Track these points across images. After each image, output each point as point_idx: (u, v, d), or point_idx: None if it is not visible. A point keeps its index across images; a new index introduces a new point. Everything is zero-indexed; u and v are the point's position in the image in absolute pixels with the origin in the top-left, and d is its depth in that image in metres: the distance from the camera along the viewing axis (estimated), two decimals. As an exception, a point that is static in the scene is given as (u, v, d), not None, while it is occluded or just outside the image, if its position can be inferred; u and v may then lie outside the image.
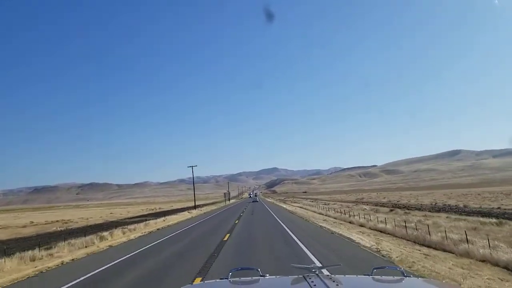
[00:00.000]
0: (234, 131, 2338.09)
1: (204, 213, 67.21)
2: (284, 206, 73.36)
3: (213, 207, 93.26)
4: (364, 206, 64.25)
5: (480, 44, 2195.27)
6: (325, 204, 72.06)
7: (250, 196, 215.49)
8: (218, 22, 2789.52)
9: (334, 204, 79.78)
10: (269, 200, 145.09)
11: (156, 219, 46.05)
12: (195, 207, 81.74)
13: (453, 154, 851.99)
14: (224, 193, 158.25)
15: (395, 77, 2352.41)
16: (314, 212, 51.62)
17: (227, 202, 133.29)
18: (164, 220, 45.25)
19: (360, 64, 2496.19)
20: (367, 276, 2.99)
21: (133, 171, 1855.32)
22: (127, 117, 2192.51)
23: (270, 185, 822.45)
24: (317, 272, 2.80)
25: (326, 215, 42.61)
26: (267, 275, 3.16)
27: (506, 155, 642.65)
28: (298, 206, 71.19)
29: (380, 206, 67.07)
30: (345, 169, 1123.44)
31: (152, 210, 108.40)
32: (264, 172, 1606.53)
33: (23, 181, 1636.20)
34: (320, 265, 3.16)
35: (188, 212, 60.65)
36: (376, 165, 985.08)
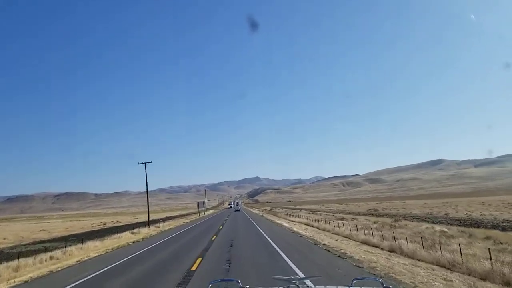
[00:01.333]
0: (216, 141, 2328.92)
1: (152, 235, 39.75)
2: (285, 225, 42.27)
3: (181, 222, 72.41)
4: (408, 222, 45.62)
5: (461, 57, 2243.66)
6: (340, 220, 48.14)
7: (231, 206, 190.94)
8: (201, 34, 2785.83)
9: (352, 219, 55.22)
10: (253, 211, 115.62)
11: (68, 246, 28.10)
12: (148, 223, 57.42)
13: (435, 163, 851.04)
14: (198, 203, 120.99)
15: (376, 89, 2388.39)
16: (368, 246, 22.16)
17: (202, 214, 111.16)
18: (63, 253, 24.48)
19: (342, 76, 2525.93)
20: (347, 287, 2.99)
21: (114, 180, 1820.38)
22: (109, 125, 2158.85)
23: (252, 195, 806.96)
24: (297, 284, 2.82)
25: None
26: (247, 286, 3.18)
27: (486, 165, 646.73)
28: (303, 223, 44.02)
29: (424, 220, 51.87)
30: (326, 178, 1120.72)
31: (103, 224, 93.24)
32: (246, 181, 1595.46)
33: (4, 190, 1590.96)
34: (302, 276, 3.30)
35: (131, 233, 40.04)
36: (358, 174, 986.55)
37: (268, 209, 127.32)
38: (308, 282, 4.31)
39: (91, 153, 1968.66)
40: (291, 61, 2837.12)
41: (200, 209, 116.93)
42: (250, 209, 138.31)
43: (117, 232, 39.44)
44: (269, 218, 64.85)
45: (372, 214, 73.54)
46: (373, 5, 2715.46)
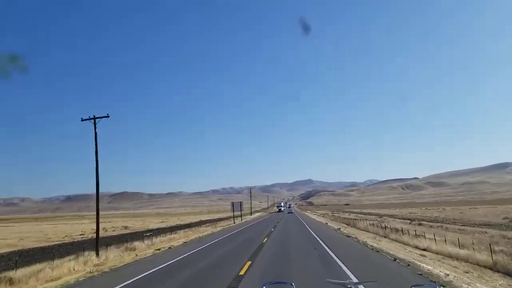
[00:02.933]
0: (269, 142, 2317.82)
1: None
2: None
3: (191, 236, 43.82)
4: None
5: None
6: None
7: (280, 210, 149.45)
8: (254, 35, 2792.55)
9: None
10: (311, 216, 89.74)
11: None
12: (97, 249, 26.60)
13: (502, 166, 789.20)
14: (232, 203, 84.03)
15: (433, 89, 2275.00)
16: None
17: (239, 221, 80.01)
18: None
19: (397, 75, 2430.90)
20: None
21: (169, 181, 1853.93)
22: (165, 130, 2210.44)
23: (305, 197, 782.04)
24: None
25: None
26: None
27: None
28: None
29: None
30: (382, 181, 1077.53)
31: (104, 230, 77.49)
32: (298, 184, 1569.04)
33: (62, 189, 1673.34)
34: (357, 280, 2.90)
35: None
36: (417, 177, 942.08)
37: (330, 213, 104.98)
38: (362, 287, 4.06)
39: (148, 155, 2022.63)
40: (343, 61, 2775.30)
41: (237, 213, 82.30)
42: (305, 213, 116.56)
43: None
44: (346, 232, 38.97)
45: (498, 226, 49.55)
46: (429, 4, 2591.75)
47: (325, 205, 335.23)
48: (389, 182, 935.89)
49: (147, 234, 40.16)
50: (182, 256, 22.68)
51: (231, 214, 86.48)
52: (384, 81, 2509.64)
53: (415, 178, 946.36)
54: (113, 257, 23.84)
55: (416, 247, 23.60)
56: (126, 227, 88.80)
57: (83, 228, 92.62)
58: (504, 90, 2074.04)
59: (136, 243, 30.42)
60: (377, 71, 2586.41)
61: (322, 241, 27.52)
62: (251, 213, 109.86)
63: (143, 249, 28.81)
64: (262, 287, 2.99)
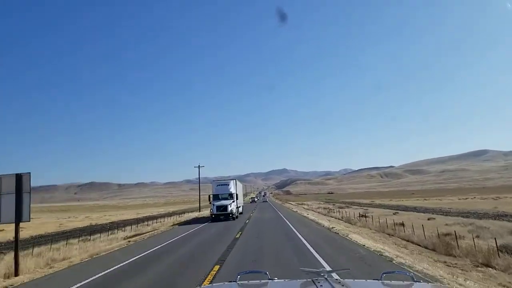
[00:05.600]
0: (243, 133, 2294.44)
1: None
2: None
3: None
4: None
5: (501, 42, 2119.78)
6: None
7: (253, 201, 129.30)
8: (229, 25, 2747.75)
9: None
10: (293, 208, 66.56)
11: None
12: None
13: (479, 154, 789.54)
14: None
15: (407, 79, 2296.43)
16: None
17: (200, 212, 61.14)
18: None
19: (373, 66, 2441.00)
20: (376, 280, 2.93)
21: (143, 171, 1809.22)
22: (139, 119, 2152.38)
23: (281, 186, 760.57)
24: (326, 276, 2.78)
25: None
26: (276, 278, 3.07)
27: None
28: None
29: None
30: (357, 170, 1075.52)
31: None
32: (273, 173, 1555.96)
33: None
34: (330, 268, 3.21)
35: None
36: (394, 166, 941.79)
37: (322, 206, 75.64)
38: (335, 275, 4.14)
39: (121, 145, 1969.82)
40: (318, 52, 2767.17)
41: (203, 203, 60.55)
42: (287, 206, 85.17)
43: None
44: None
45: None
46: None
47: (304, 194, 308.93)
48: (365, 170, 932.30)
49: None
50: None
51: (196, 205, 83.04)
52: (359, 71, 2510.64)
53: (391, 166, 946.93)
54: None
55: None
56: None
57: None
58: (478, 78, 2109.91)
59: None
60: (354, 62, 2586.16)
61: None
62: (200, 207, 78.76)
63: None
64: (237, 277, 2.91)
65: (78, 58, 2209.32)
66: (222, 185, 42.16)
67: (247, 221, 36.89)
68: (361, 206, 76.40)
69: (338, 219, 40.62)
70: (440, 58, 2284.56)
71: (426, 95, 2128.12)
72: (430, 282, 6.88)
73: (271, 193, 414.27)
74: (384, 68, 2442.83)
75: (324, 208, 61.64)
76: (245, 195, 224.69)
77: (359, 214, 42.11)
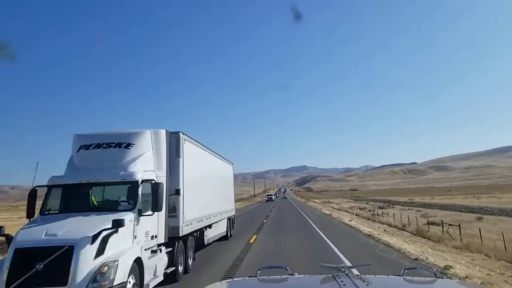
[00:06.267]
0: (263, 130, 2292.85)
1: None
2: None
3: None
4: None
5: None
6: None
7: (270, 199, 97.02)
8: (244, 24, 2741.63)
9: None
10: (319, 208, 56.90)
11: None
12: None
13: (505, 150, 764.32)
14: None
15: (426, 76, 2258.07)
16: None
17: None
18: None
19: (391, 64, 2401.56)
20: (398, 276, 2.84)
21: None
22: (156, 117, 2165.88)
23: (301, 183, 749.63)
24: (346, 272, 2.75)
25: None
26: (296, 273, 3.03)
27: None
28: None
29: None
30: (379, 166, 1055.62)
31: None
32: (293, 170, 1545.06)
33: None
34: (350, 264, 3.21)
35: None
36: (416, 162, 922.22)
37: (352, 205, 65.16)
38: (355, 270, 4.14)
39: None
40: (337, 50, 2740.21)
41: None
42: (310, 204, 76.16)
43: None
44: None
45: None
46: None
47: (326, 191, 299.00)
48: (387, 167, 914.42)
49: None
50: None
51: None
52: (374, 71, 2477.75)
53: (414, 163, 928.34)
54: None
55: None
56: None
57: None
58: (498, 75, 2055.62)
59: None
60: (367, 62, 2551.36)
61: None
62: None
63: None
64: (257, 272, 2.88)
65: (88, 59, 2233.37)
66: (273, 194, 26.65)
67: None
68: (403, 205, 67.67)
69: (400, 229, 28.03)
70: (461, 52, 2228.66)
71: (445, 92, 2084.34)
72: (453, 279, 6.33)
73: (291, 189, 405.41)
74: (402, 65, 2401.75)
75: (361, 209, 51.91)
76: (263, 192, 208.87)
77: (427, 221, 29.64)
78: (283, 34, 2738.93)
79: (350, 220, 32.02)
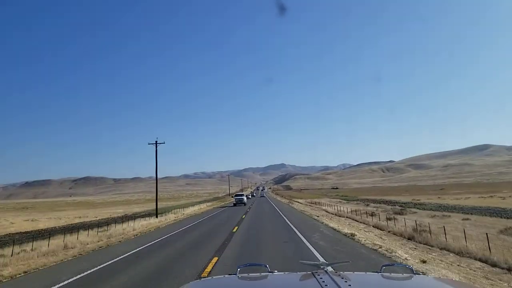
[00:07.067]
0: (241, 128, 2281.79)
1: None
2: None
3: None
4: None
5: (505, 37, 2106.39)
6: None
7: (241, 201, 72.70)
8: (225, 21, 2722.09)
9: None
10: (308, 212, 43.72)
11: None
12: None
13: (481, 148, 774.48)
14: None
15: (407, 74, 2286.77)
16: None
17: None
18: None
19: (373, 62, 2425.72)
20: (376, 273, 2.88)
21: (143, 166, 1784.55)
22: (136, 118, 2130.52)
23: (280, 181, 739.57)
24: (325, 269, 2.80)
25: None
26: (276, 271, 3.06)
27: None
28: None
29: None
30: (357, 165, 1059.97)
31: None
32: (271, 168, 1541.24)
33: (25, 175, 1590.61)
34: (329, 261, 3.12)
35: None
36: (394, 160, 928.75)
37: (346, 207, 51.05)
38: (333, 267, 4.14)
39: (118, 141, 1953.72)
40: (319, 48, 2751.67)
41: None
42: (294, 206, 59.02)
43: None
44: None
45: None
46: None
47: (306, 189, 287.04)
48: (364, 165, 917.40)
49: None
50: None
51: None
52: (352, 70, 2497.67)
53: (391, 161, 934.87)
54: None
55: None
56: None
57: None
58: (478, 74, 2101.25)
59: None
60: (353, 56, 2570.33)
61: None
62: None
63: None
64: (236, 269, 2.90)
65: (75, 53, 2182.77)
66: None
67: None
68: (402, 206, 54.66)
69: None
70: (441, 54, 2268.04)
71: (426, 90, 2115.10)
72: (430, 275, 6.47)
73: (269, 188, 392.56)
74: (383, 62, 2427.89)
75: (368, 214, 36.65)
76: (240, 190, 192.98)
77: (464, 230, 18.89)
78: (264, 31, 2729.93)
79: (398, 250, 15.88)
